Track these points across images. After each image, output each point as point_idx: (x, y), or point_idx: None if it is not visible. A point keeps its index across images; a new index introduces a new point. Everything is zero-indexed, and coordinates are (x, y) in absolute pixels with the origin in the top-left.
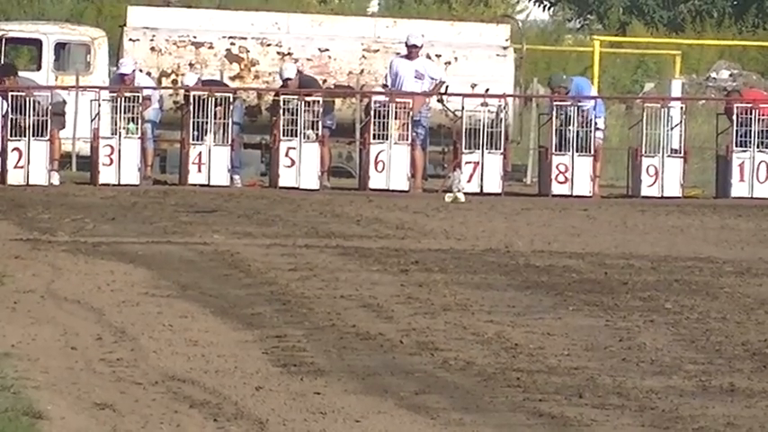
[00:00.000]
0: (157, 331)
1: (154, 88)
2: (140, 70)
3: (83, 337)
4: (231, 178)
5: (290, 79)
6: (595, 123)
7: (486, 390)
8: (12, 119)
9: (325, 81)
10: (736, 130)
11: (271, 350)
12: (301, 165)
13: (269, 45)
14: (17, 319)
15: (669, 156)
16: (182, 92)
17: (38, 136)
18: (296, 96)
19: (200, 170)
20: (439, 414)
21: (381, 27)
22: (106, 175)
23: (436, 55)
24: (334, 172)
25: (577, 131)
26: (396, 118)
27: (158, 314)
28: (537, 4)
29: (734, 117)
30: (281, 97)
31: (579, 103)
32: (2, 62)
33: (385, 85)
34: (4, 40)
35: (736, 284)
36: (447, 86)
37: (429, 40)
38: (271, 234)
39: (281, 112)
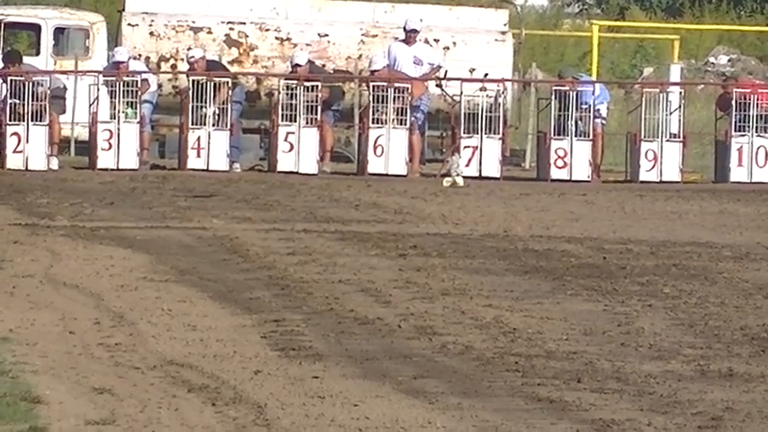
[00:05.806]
0: (156, 316)
1: (148, 72)
2: (135, 57)
3: (81, 321)
4: (230, 163)
5: (299, 65)
6: (597, 110)
7: (485, 374)
8: (11, 103)
9: (324, 66)
10: (735, 115)
11: (269, 334)
12: (300, 149)
13: (268, 30)
14: (16, 303)
15: (668, 140)
16: (181, 77)
17: (37, 121)
18: (296, 81)
19: (199, 155)
20: (437, 398)
21: (380, 12)
22: (105, 160)
23: (434, 40)
24: (331, 157)
25: (578, 117)
26: (394, 103)
27: (157, 299)
28: None
29: (730, 106)
30: (283, 82)
31: (580, 89)
32: (2, 48)
33: (374, 71)
34: (2, 25)
35: (735, 269)
36: (446, 71)
37: (427, 24)
38: (269, 219)
39: (283, 96)
